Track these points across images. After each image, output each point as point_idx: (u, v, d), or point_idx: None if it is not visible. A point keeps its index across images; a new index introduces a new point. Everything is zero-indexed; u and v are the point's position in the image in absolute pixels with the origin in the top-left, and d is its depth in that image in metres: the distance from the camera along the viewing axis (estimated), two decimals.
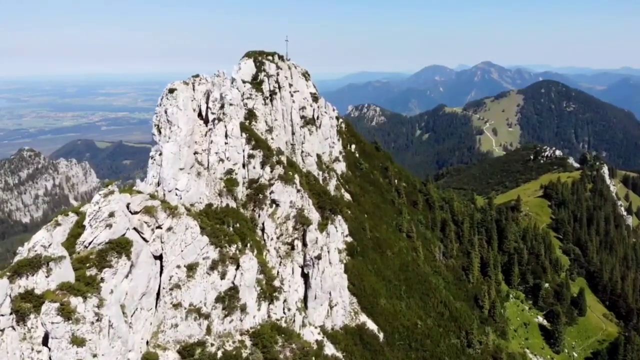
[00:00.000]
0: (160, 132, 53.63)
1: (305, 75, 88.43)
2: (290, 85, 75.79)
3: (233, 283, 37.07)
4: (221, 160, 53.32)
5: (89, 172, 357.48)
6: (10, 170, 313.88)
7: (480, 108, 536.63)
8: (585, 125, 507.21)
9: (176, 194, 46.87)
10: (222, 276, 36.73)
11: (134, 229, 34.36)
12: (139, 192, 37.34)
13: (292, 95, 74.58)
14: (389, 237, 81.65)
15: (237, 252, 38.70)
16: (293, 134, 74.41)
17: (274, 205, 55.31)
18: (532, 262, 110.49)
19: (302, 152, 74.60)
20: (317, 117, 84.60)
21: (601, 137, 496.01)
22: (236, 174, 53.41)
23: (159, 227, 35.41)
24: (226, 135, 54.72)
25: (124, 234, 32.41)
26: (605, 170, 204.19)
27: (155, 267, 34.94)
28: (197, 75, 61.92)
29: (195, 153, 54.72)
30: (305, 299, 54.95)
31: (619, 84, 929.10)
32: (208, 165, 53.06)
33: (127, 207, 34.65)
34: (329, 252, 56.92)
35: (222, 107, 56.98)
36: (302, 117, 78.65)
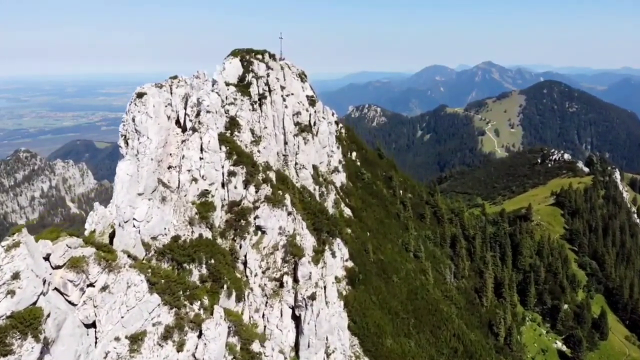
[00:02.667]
0: (127, 144, 44.66)
1: (302, 76, 79.14)
2: (283, 87, 66.39)
3: (194, 356, 27.77)
4: (194, 179, 44.04)
5: (86, 173, 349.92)
6: (6, 171, 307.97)
7: (482, 108, 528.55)
8: (588, 126, 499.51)
9: (134, 226, 37.69)
10: (180, 347, 27.44)
11: (56, 289, 25.05)
12: (71, 234, 27.95)
13: (284, 100, 65.21)
14: (394, 258, 72.35)
15: (202, 311, 29.42)
16: (285, 143, 65.04)
17: (259, 233, 46.02)
18: (549, 280, 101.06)
19: (296, 164, 65.23)
20: (314, 124, 75.31)
21: (604, 138, 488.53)
22: (213, 196, 44.13)
23: (91, 285, 26.08)
24: (201, 149, 45.48)
25: (34, 302, 23.10)
26: (617, 175, 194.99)
27: (86, 339, 25.63)
28: (176, 77, 53.02)
29: (170, 168, 45.62)
30: (296, 346, 45.74)
31: (620, 84, 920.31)
32: (179, 185, 43.80)
33: (48, 258, 25.29)
34: (325, 288, 47.63)
35: (197, 114, 47.76)
36: (297, 123, 69.38)
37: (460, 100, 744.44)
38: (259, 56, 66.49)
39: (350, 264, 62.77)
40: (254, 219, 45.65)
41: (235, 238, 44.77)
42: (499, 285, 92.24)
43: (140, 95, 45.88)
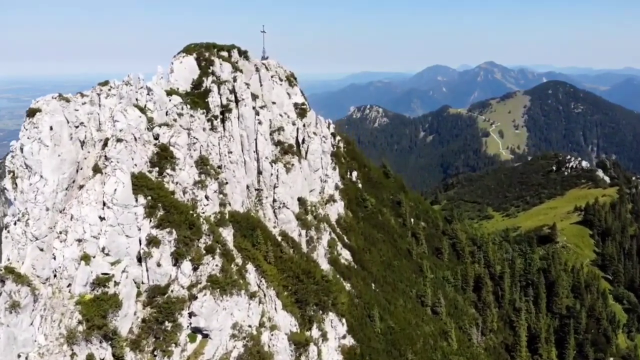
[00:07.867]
0: (15, 186, 27.84)
1: (290, 80, 61.86)
2: (256, 96, 48.76)
3: None
4: (86, 257, 26.40)
5: None
6: None
7: (486, 109, 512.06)
8: (594, 127, 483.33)
9: None
10: None
11: None
12: None
13: (257, 113, 47.50)
14: (408, 321, 54.77)
15: None
16: (260, 173, 47.42)
17: (197, 338, 28.41)
18: (591, 328, 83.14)
19: (274, 201, 47.57)
20: (303, 141, 57.88)
21: (610, 140, 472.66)
22: (117, 283, 26.51)
23: None
24: (104, 204, 27.94)
25: None
26: None
27: None
28: (106, 83, 35.91)
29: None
30: None
31: (623, 84, 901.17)
32: (61, 269, 26.12)
33: None
34: None
35: (104, 146, 30.28)
36: (278, 142, 51.82)
37: (462, 100, 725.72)
38: (224, 53, 48.82)
39: (349, 340, 45.14)
40: (189, 316, 28.05)
41: (156, 351, 27.14)
42: (533, 337, 74.65)
43: (32, 113, 28.84)
